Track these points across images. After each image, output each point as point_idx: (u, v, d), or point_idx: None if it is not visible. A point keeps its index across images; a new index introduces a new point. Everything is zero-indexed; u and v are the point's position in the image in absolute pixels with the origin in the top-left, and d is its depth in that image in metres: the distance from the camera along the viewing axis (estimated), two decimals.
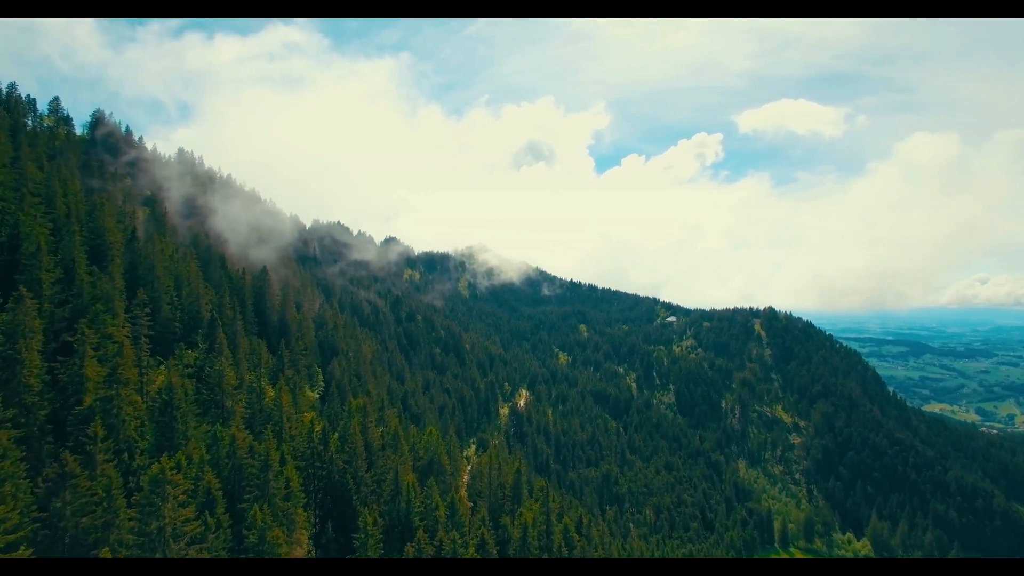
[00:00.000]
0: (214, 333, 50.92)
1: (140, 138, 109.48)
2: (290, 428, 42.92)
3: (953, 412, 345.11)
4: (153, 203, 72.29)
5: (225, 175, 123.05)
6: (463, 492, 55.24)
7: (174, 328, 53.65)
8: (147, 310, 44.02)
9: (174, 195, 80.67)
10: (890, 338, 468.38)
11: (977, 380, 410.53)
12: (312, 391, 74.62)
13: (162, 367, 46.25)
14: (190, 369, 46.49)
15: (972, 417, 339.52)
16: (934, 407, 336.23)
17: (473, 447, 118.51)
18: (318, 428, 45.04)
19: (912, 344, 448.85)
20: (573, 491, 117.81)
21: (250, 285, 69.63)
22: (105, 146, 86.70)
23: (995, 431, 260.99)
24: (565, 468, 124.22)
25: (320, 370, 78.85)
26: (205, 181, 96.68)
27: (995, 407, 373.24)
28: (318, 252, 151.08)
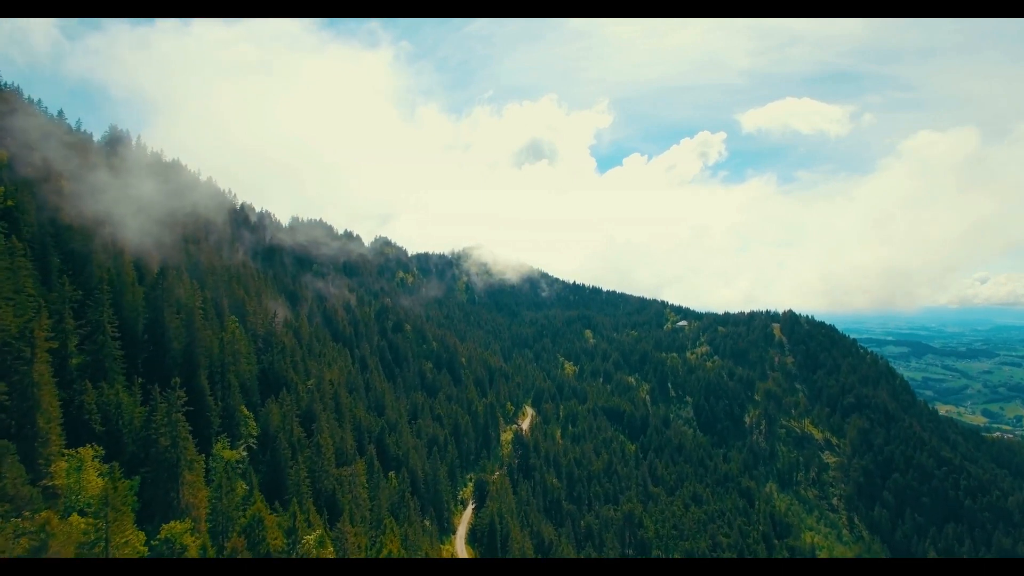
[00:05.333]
0: None
1: (61, 112, 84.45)
2: None
3: (959, 414, 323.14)
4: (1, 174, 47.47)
5: (172, 158, 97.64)
6: None
7: None
8: None
9: (57, 168, 55.99)
10: (891, 338, 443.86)
11: (981, 381, 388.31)
12: (235, 450, 49.40)
13: None
14: None
15: (979, 419, 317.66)
16: (940, 409, 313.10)
17: (470, 486, 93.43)
18: None
19: (913, 344, 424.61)
20: (591, 539, 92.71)
21: (122, 294, 44.30)
22: None
23: (1010, 436, 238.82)
24: (580, 508, 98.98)
25: (252, 414, 53.52)
26: (106, 152, 70.84)
27: (1001, 408, 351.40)
28: (287, 253, 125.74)
